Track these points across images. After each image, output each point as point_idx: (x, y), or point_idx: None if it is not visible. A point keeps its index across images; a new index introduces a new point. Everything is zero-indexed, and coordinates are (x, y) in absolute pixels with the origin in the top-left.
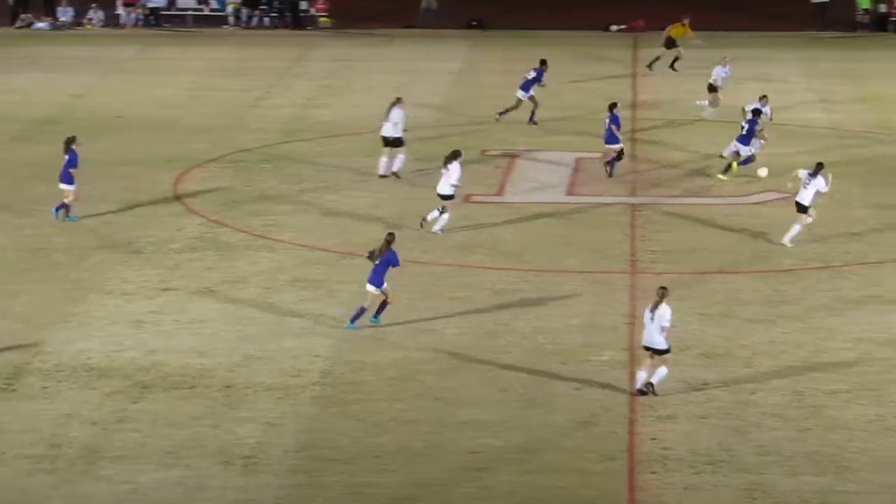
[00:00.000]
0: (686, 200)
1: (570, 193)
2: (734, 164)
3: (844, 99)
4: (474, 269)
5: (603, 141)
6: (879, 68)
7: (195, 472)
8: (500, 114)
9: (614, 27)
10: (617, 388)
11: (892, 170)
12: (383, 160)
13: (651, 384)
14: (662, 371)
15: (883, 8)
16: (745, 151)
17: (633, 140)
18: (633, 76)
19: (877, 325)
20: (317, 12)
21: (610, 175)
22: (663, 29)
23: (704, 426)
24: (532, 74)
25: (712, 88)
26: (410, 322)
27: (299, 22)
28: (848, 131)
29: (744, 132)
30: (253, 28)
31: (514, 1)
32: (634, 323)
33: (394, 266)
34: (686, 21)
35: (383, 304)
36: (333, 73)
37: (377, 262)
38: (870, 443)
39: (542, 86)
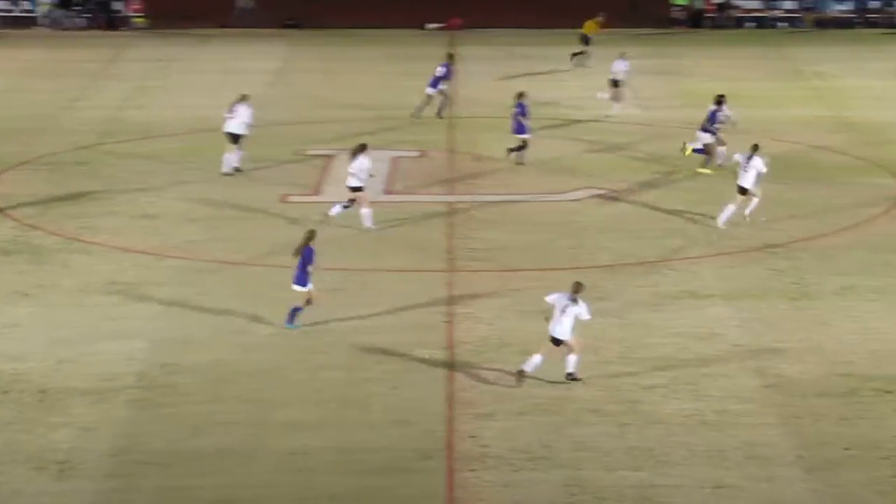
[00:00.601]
0: (504, 198)
1: (387, 192)
2: (688, 149)
3: (661, 95)
4: (290, 268)
5: (511, 131)
6: (696, 64)
7: (9, 478)
8: (415, 113)
9: (430, 25)
10: (435, 386)
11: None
12: (228, 157)
13: (572, 373)
14: (572, 358)
15: (700, 4)
16: (704, 138)
17: (450, 140)
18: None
19: (693, 320)
20: (131, 12)
21: (518, 162)
22: (481, 28)
23: (523, 423)
24: (441, 70)
25: (615, 84)
26: (227, 323)
27: (113, 22)
28: (665, 128)
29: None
30: (66, 29)
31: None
32: (452, 321)
33: (308, 265)
34: (600, 18)
35: (296, 309)
36: (148, 73)
37: (300, 261)
38: (687, 437)
39: (448, 80)
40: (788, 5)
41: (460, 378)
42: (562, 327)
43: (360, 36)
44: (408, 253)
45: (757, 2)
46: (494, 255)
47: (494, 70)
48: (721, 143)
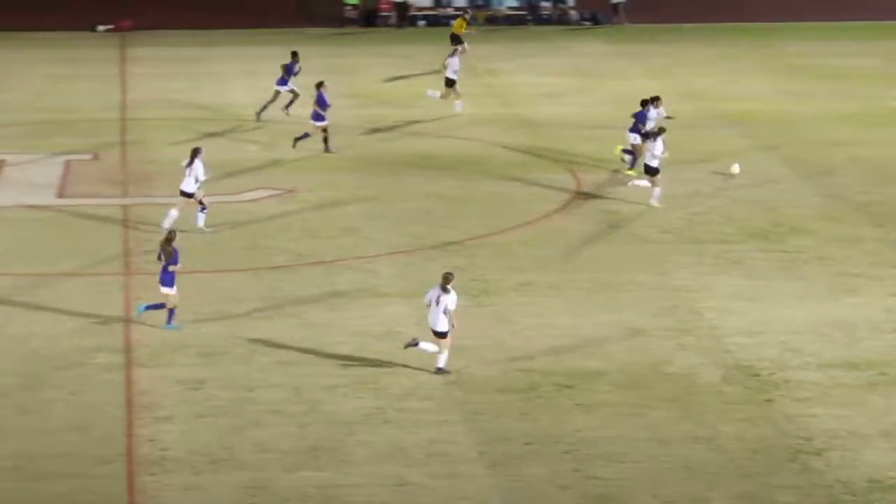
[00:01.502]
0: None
1: (61, 196)
2: (619, 150)
3: (334, 94)
4: None
5: (310, 118)
6: (369, 63)
7: None
8: (285, 109)
9: (101, 27)
10: (114, 390)
11: (380, 164)
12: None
13: (439, 368)
14: (444, 355)
15: (371, 3)
16: (633, 140)
17: (123, 142)
18: (122, 75)
19: (372, 318)
20: None
21: (326, 150)
22: (151, 29)
23: (203, 426)
24: (287, 68)
25: (450, 82)
26: None
27: None
28: (338, 127)
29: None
30: None
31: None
32: (129, 324)
33: (172, 266)
34: (467, 15)
35: (160, 306)
36: None
37: (165, 263)
38: (369, 435)
39: (294, 76)
40: (460, 3)
41: (139, 381)
42: (439, 319)
43: (26, 39)
44: (82, 256)
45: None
46: None
47: (164, 72)
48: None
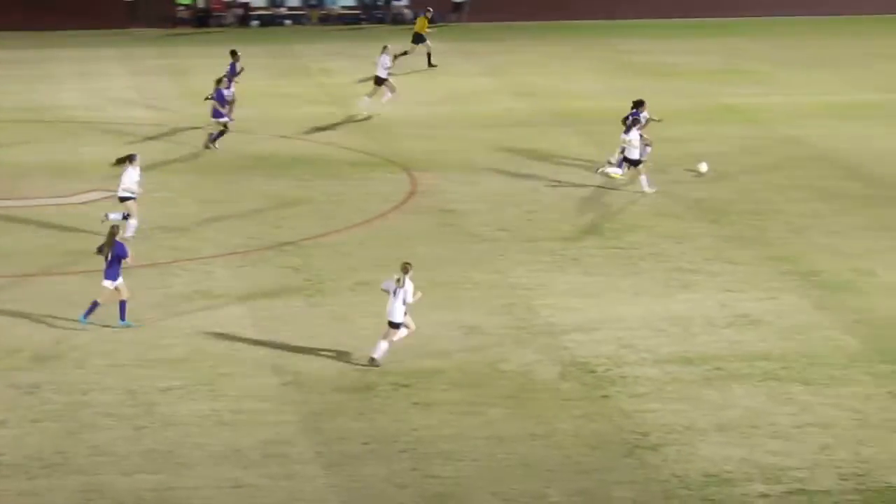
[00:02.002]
0: (10, 203)
1: None
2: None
3: (169, 95)
4: None
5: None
6: (203, 63)
7: None
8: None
9: None
10: None
11: (215, 165)
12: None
13: (373, 358)
14: (383, 345)
15: (203, 3)
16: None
17: None
18: None
19: (207, 320)
20: None
21: (213, 146)
22: None
23: (37, 430)
24: (226, 70)
25: (380, 80)
26: None
27: None
28: (174, 127)
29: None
30: None
31: None
32: None
33: (123, 258)
34: (428, 14)
35: (122, 304)
36: None
37: (108, 258)
38: (205, 437)
39: (236, 77)
40: (293, 2)
41: None
42: (396, 310)
43: None
44: None
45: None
46: (1, 261)
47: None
48: (647, 143)
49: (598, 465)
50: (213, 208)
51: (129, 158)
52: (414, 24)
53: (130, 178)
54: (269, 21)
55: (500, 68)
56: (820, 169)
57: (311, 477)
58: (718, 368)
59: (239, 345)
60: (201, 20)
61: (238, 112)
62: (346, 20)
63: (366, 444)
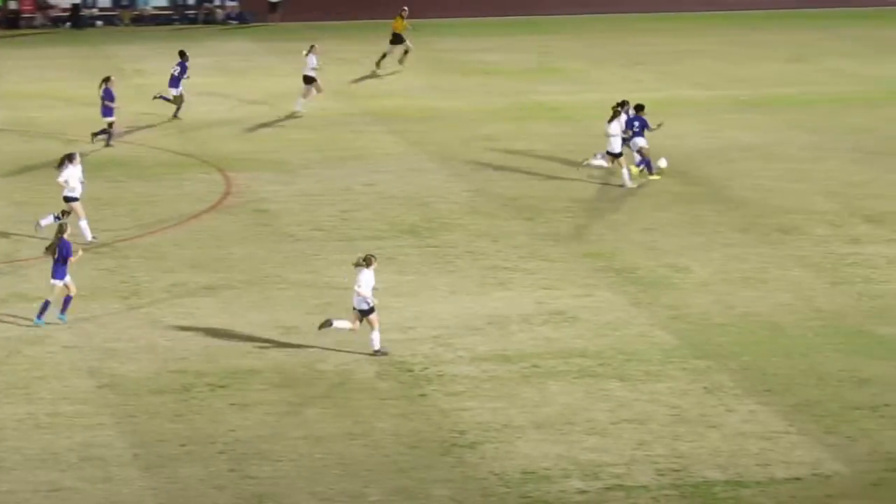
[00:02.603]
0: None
1: None
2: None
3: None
4: None
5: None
6: (12, 66)
7: None
8: (173, 116)
9: None
10: None
11: (26, 167)
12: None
13: (376, 350)
14: (375, 335)
15: (14, 5)
16: (641, 142)
17: None
18: None
19: (23, 322)
20: None
21: (107, 144)
22: None
23: None
24: (177, 70)
25: (308, 80)
26: None
27: None
28: None
29: (636, 130)
30: None
31: None
32: None
33: (67, 257)
34: (404, 13)
35: (67, 299)
36: None
37: (56, 256)
38: (20, 441)
39: (187, 77)
40: (104, 3)
41: None
42: (355, 298)
43: None
44: None
45: (73, 1)
46: None
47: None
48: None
49: (417, 463)
50: (27, 210)
51: (69, 157)
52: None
53: (73, 177)
54: (81, 22)
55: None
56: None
57: (128, 479)
58: (535, 366)
59: (55, 347)
60: (11, 22)
61: (48, 114)
62: (159, 21)
63: (183, 445)
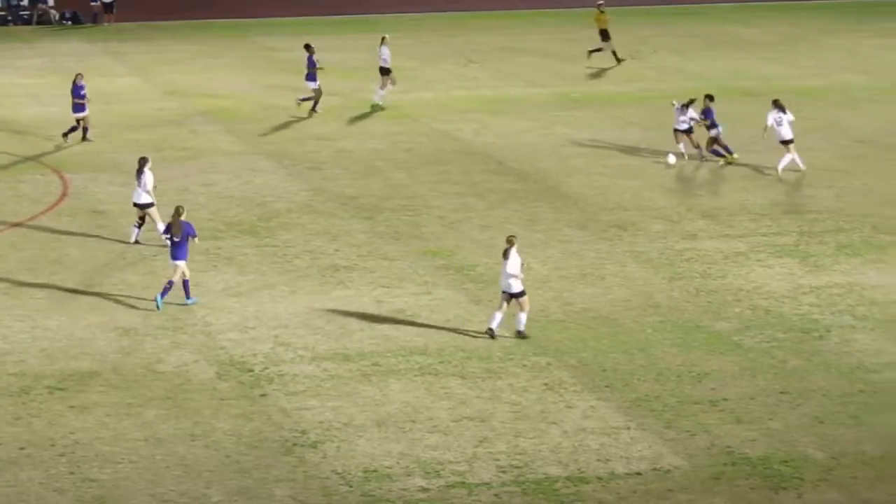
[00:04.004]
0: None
1: None
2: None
3: None
4: None
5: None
6: None
7: None
8: (301, 100)
9: None
10: None
11: None
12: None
13: (519, 331)
14: (523, 316)
15: None
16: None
17: None
18: None
19: None
20: None
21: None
22: None
23: None
24: (308, 64)
25: (385, 71)
26: None
27: None
28: None
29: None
30: None
31: None
32: None
33: (192, 237)
34: (601, 6)
35: (186, 283)
36: None
37: (177, 239)
38: None
39: (321, 68)
40: None
41: None
42: (512, 283)
43: None
44: None
45: None
46: None
47: None
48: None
49: (258, 463)
50: None
51: (143, 161)
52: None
53: (149, 181)
54: None
55: (149, 68)
56: (471, 164)
57: None
58: (376, 364)
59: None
60: None
61: None
62: None
63: (22, 448)
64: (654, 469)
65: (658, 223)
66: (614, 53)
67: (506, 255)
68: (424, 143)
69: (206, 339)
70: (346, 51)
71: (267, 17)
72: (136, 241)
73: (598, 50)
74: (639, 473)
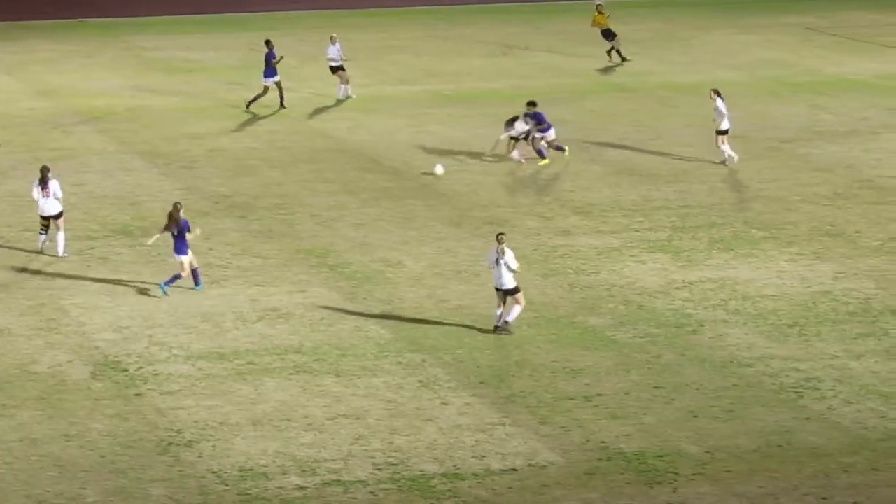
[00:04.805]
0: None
1: None
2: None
3: None
4: None
5: None
6: None
7: None
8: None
9: None
10: None
11: None
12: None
13: (507, 322)
14: (517, 309)
15: None
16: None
17: None
18: None
19: None
20: None
21: None
22: None
23: None
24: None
25: (335, 70)
26: None
27: None
28: None
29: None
30: None
31: None
32: None
33: (188, 231)
34: (600, 7)
35: (195, 272)
36: None
37: (176, 234)
38: None
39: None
40: None
41: None
42: (501, 278)
43: None
44: None
45: None
46: None
47: None
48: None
49: (134, 463)
50: None
51: (46, 170)
52: None
53: (59, 189)
54: None
55: (19, 67)
56: (345, 162)
57: None
58: (251, 363)
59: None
60: None
61: None
62: None
63: None
64: (530, 465)
65: (531, 220)
66: (619, 52)
67: (501, 253)
68: (299, 140)
69: (81, 339)
70: (218, 49)
71: (138, 16)
72: (41, 252)
73: (613, 48)
74: (514, 469)
